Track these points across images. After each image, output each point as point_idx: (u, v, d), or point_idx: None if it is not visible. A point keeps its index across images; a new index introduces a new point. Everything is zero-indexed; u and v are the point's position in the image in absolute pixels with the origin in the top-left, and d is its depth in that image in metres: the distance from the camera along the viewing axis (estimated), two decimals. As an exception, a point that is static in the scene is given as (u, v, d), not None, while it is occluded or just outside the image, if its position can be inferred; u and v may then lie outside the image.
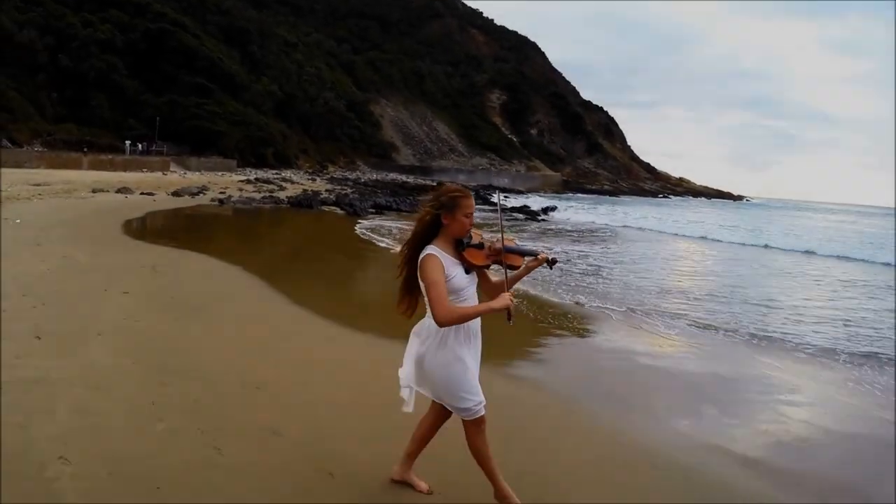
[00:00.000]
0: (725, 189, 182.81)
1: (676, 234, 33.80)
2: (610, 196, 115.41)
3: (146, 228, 18.48)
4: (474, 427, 3.50)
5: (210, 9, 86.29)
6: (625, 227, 38.43)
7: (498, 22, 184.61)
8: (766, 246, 29.20)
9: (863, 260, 25.27)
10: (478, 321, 3.55)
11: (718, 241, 31.19)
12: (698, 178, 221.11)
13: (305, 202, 32.52)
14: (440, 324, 3.33)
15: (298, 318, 8.43)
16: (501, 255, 3.54)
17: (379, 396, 5.25)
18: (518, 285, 3.81)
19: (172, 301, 8.46)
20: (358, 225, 24.38)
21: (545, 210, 49.50)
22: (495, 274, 3.72)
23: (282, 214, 28.12)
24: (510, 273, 3.59)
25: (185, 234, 18.45)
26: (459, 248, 3.49)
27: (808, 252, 27.13)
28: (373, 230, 22.13)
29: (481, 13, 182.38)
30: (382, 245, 18.20)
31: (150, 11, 70.87)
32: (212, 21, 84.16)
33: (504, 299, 3.38)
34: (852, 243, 34.40)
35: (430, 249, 3.42)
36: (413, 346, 3.61)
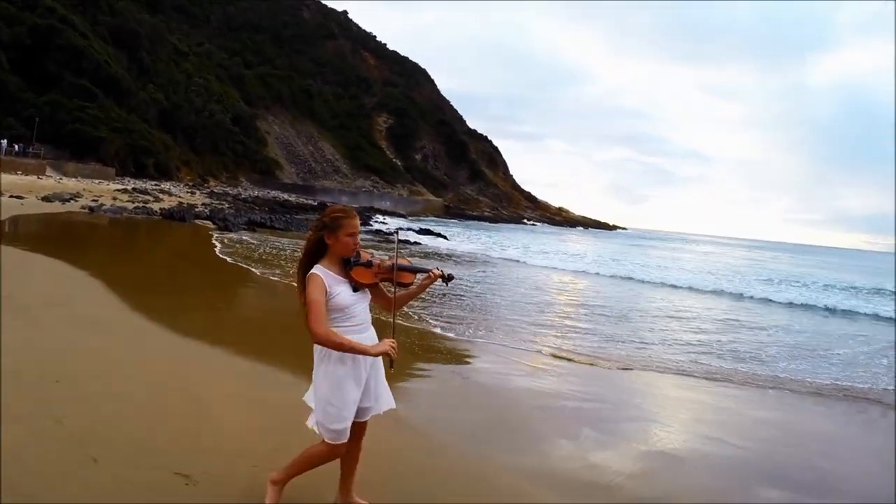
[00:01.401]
0: (602, 219, 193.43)
1: (538, 265, 33.23)
2: (489, 223, 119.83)
3: (3, 231, 18.28)
4: (328, 451, 3.62)
5: (102, 8, 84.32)
6: (489, 253, 38.83)
7: (391, 47, 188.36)
8: (628, 277, 29.78)
9: (703, 290, 26.59)
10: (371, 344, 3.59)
11: (579, 271, 31.58)
12: (578, 209, 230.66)
13: (178, 215, 32.92)
14: (315, 341, 3.42)
15: (124, 320, 8.87)
16: (392, 274, 3.66)
17: (164, 388, 6.00)
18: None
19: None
20: (216, 237, 25.57)
21: (426, 232, 52.57)
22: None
23: (150, 225, 28.56)
24: (403, 290, 3.76)
25: (42, 239, 18.87)
26: (346, 266, 3.60)
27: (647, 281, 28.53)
28: (224, 243, 23.62)
29: (375, 37, 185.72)
30: (223, 256, 19.56)
31: (39, 5, 69.13)
32: (102, 21, 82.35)
33: (383, 346, 3.49)
34: (702, 275, 35.96)
35: (315, 269, 3.52)
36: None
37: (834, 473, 6.17)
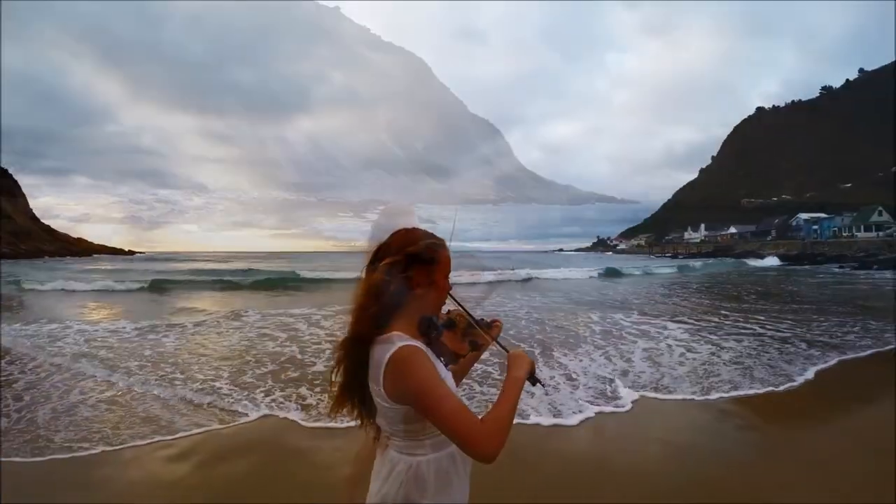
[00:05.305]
0: (122, 246, 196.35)
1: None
2: (9, 259, 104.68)
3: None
4: None
5: None
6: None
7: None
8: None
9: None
10: None
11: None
12: (101, 239, 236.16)
13: None
14: (492, 455, 1.94)
15: None
16: (474, 333, 2.33)
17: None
18: None
19: None
20: None
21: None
22: None
23: None
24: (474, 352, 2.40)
25: None
26: (430, 330, 2.18)
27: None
28: None
29: None
30: None
31: None
32: None
33: (523, 360, 2.21)
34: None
35: (404, 340, 2.06)
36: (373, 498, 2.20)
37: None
